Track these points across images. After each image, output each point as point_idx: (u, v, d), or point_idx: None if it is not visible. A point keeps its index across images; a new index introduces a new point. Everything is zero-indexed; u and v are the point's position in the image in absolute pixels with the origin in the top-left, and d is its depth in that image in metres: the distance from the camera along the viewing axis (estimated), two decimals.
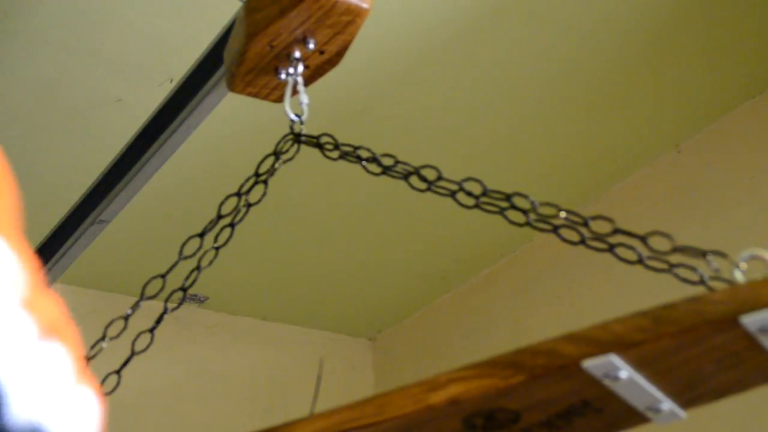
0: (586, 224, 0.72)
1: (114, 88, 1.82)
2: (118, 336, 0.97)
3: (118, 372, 0.96)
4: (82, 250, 1.56)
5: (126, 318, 0.96)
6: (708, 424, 1.78)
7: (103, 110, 1.86)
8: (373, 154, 0.91)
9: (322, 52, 1.02)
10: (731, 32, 1.85)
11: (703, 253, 0.64)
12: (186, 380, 2.50)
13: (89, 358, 0.97)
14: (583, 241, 0.73)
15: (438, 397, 0.61)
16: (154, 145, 1.38)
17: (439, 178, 0.85)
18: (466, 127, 2.05)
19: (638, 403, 0.60)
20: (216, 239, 0.97)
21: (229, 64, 1.04)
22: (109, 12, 1.67)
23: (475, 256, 2.47)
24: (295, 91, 1.01)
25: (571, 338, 0.58)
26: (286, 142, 0.99)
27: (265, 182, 0.98)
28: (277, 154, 0.98)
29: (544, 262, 2.34)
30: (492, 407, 0.61)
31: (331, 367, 2.65)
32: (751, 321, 0.52)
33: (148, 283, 0.96)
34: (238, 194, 0.98)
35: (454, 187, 0.84)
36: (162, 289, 0.97)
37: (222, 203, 0.98)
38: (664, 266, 0.69)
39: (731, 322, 0.53)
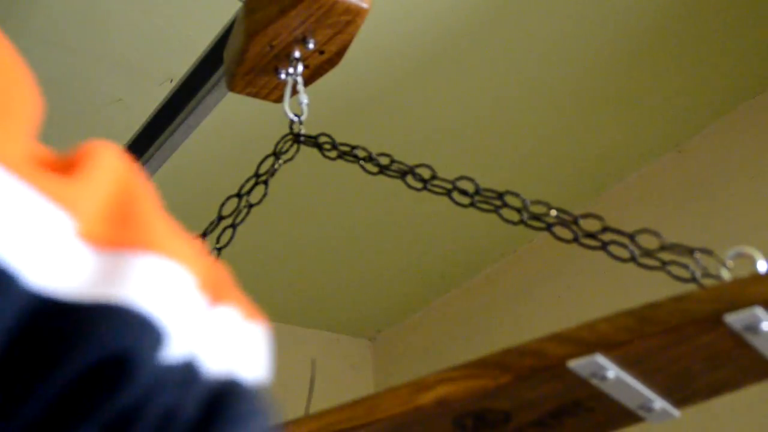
0: (576, 222, 0.73)
1: (114, 88, 1.83)
2: None
3: None
4: None
5: None
6: (706, 422, 1.78)
7: (103, 110, 1.87)
8: (370, 153, 0.92)
9: (321, 52, 1.02)
10: (731, 32, 1.85)
11: (690, 251, 0.64)
12: None
13: None
14: (576, 239, 0.73)
15: (426, 398, 0.61)
16: (154, 145, 1.39)
17: (434, 177, 0.85)
18: (465, 127, 2.05)
19: (629, 402, 0.60)
20: (218, 240, 0.97)
21: (229, 63, 1.05)
22: (110, 12, 1.67)
23: (475, 256, 2.47)
24: (294, 91, 1.01)
25: (557, 338, 0.58)
26: (285, 143, 0.99)
27: (265, 183, 0.98)
28: (276, 154, 0.98)
29: (544, 263, 2.34)
30: (481, 408, 0.62)
31: (331, 367, 2.65)
32: (735, 319, 0.52)
33: None
34: (239, 195, 0.98)
35: (449, 186, 0.84)
36: None
37: (223, 204, 0.98)
38: (656, 264, 0.69)
39: (716, 320, 0.53)
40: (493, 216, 0.82)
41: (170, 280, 0.30)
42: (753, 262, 0.58)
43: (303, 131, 0.99)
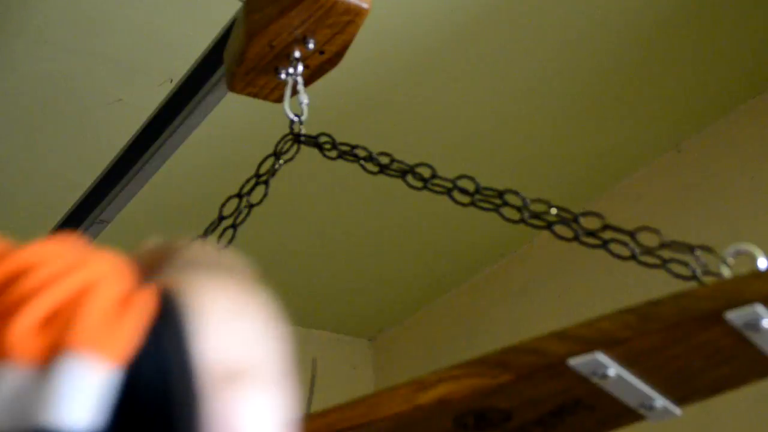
0: (576, 220, 0.73)
1: (114, 88, 1.83)
2: None
3: None
4: None
5: None
6: (707, 421, 1.78)
7: (103, 110, 1.87)
8: (370, 153, 0.92)
9: (321, 52, 1.02)
10: (731, 32, 1.85)
11: (690, 249, 0.64)
12: None
13: None
14: (576, 238, 0.73)
15: (427, 397, 0.61)
16: (155, 145, 1.39)
17: (434, 176, 0.85)
18: (465, 127, 2.05)
19: (630, 400, 0.60)
20: (218, 241, 0.97)
21: (229, 64, 1.05)
22: (109, 12, 1.67)
23: (475, 256, 2.47)
24: (294, 91, 1.01)
25: (557, 336, 0.58)
26: (285, 143, 0.99)
27: (266, 183, 0.98)
28: (277, 154, 0.98)
29: (544, 263, 2.34)
30: (482, 406, 0.61)
31: (331, 367, 2.65)
32: (735, 316, 0.52)
33: None
34: (239, 195, 0.98)
35: (449, 185, 0.84)
36: None
37: (223, 204, 0.98)
38: (657, 261, 0.69)
39: (716, 317, 0.52)
40: (492, 216, 0.82)
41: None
42: (753, 260, 0.58)
43: (303, 131, 0.99)
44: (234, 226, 0.97)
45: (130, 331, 0.32)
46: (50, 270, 0.33)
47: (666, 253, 0.68)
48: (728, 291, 0.53)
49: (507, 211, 0.80)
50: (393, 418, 0.62)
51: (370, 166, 0.91)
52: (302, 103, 1.01)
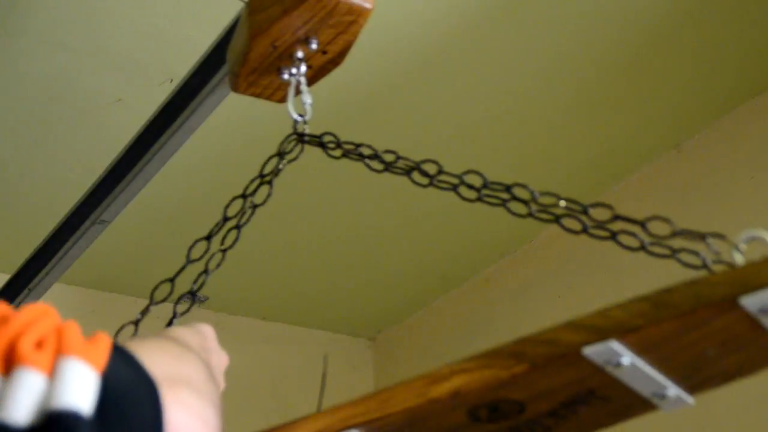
0: (585, 212, 0.73)
1: (114, 88, 1.83)
2: None
3: None
4: (83, 251, 1.56)
5: (136, 323, 0.95)
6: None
7: (103, 110, 1.87)
8: (375, 151, 0.91)
9: (324, 52, 1.02)
10: (731, 32, 1.86)
11: (702, 236, 0.65)
12: None
13: None
14: (585, 230, 0.73)
15: (441, 390, 0.60)
16: (156, 146, 1.38)
17: (440, 172, 0.85)
18: (466, 126, 2.05)
19: (643, 389, 0.60)
20: (222, 241, 0.97)
21: (232, 64, 1.04)
22: (110, 12, 1.67)
23: (475, 256, 2.47)
24: (298, 91, 1.01)
25: (571, 326, 0.58)
26: (289, 143, 0.98)
27: (269, 183, 0.97)
28: (281, 154, 0.98)
29: (544, 262, 2.34)
30: (496, 398, 0.61)
31: (331, 367, 2.65)
32: (750, 302, 0.52)
33: (156, 287, 0.95)
34: (244, 196, 0.97)
35: (456, 181, 0.84)
36: (171, 293, 0.96)
37: (227, 205, 0.98)
38: (666, 252, 0.69)
39: (731, 303, 0.52)
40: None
41: None
42: (766, 246, 0.59)
43: (307, 131, 0.98)
44: (238, 227, 0.97)
45: (103, 350, 0.43)
46: (24, 318, 0.43)
47: (676, 243, 0.68)
48: (743, 276, 0.53)
49: (513, 205, 0.80)
50: (406, 412, 0.61)
51: (374, 164, 0.91)
52: (306, 103, 1.00)
